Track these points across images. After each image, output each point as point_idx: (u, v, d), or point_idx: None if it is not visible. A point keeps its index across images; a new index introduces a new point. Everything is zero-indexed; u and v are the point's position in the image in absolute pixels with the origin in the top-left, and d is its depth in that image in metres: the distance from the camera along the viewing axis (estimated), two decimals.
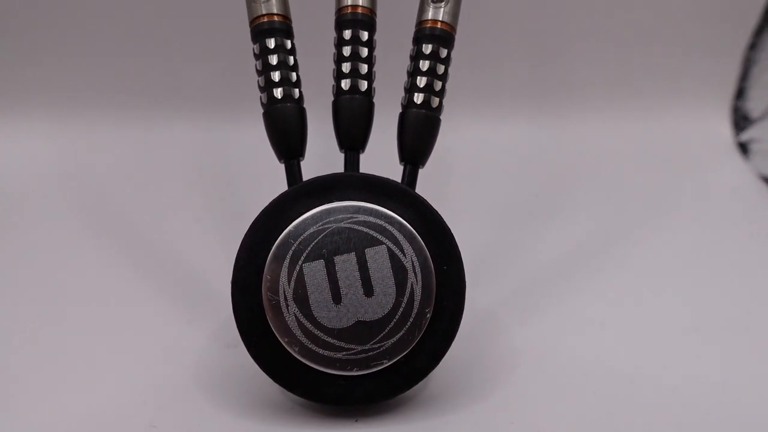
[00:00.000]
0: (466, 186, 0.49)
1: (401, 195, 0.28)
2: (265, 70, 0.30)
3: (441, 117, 0.30)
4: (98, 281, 0.40)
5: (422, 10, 0.30)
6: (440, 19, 0.30)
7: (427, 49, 0.30)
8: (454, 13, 0.30)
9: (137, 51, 0.51)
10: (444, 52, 0.30)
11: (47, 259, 0.42)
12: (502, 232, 0.45)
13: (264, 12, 0.30)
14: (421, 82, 0.30)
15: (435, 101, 0.30)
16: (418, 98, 0.29)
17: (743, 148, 0.56)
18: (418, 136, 0.30)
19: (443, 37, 0.30)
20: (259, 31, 0.30)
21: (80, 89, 0.52)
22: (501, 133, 0.54)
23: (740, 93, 0.57)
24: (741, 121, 0.57)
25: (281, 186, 0.30)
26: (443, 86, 0.30)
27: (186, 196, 0.48)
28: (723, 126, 0.57)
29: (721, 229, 0.47)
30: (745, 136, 0.56)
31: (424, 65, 0.30)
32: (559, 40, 0.53)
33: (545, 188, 0.51)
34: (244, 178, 0.50)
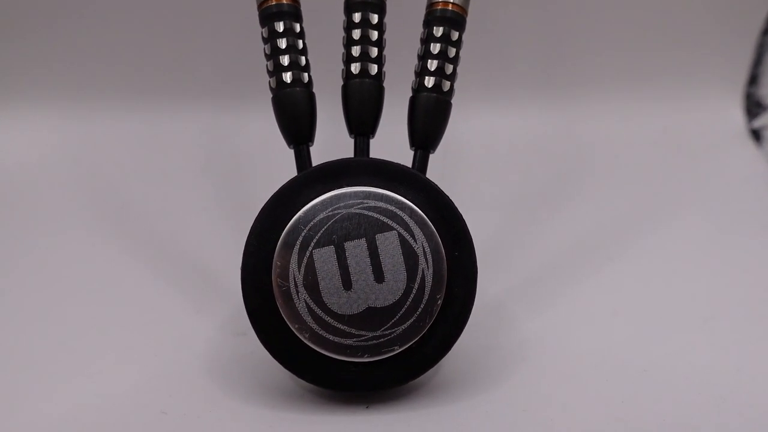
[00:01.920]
0: (476, 174, 0.49)
1: (412, 180, 0.28)
2: (274, 54, 0.29)
3: (452, 102, 0.30)
4: (107, 271, 0.40)
5: None
6: (451, 0, 0.29)
7: (438, 31, 0.29)
8: None
9: (143, 39, 0.50)
10: (455, 35, 0.29)
11: (56, 249, 0.42)
12: (512, 220, 0.45)
13: None
14: (432, 65, 0.29)
15: (446, 85, 0.29)
16: (429, 82, 0.29)
17: (756, 135, 0.55)
18: (428, 120, 0.29)
19: (454, 19, 0.29)
20: (268, 14, 0.29)
21: (86, 78, 0.51)
22: (511, 121, 0.53)
23: (753, 79, 0.56)
24: (754, 107, 0.56)
25: (290, 172, 0.30)
26: (454, 69, 0.30)
27: (194, 183, 0.48)
28: (736, 112, 0.57)
29: (734, 217, 0.47)
30: (757, 122, 0.55)
31: (435, 48, 0.29)
32: (570, 27, 0.53)
33: (556, 176, 0.50)
34: (252, 165, 0.50)
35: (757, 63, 0.55)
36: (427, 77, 0.29)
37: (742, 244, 0.44)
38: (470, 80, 0.51)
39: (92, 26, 0.49)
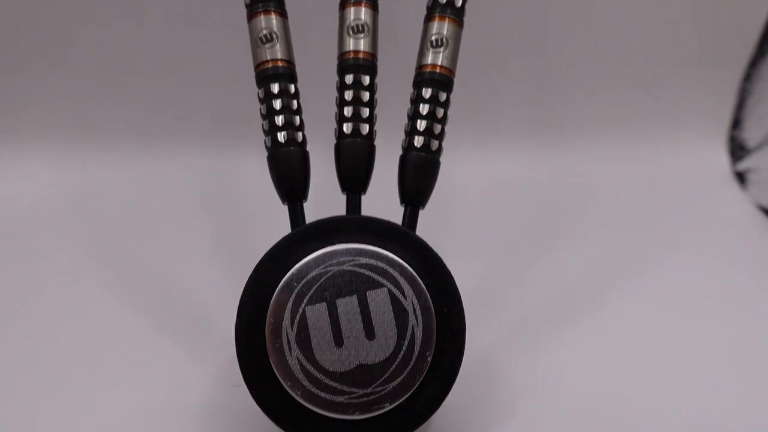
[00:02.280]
0: (466, 218, 0.50)
1: (402, 237, 0.29)
2: (269, 114, 0.30)
3: (440, 159, 0.31)
4: (102, 318, 0.40)
5: (422, 54, 0.31)
6: (439, 63, 0.31)
7: (427, 93, 0.30)
8: (453, 58, 0.31)
9: (140, 83, 0.51)
10: (443, 96, 0.31)
11: (50, 293, 0.42)
12: (502, 265, 0.45)
13: (269, 57, 0.30)
14: (421, 125, 0.30)
15: (435, 144, 0.30)
16: (418, 141, 0.30)
17: (740, 177, 0.56)
18: (418, 178, 0.30)
19: (442, 81, 0.31)
20: (264, 76, 0.30)
21: (85, 121, 0.52)
22: (501, 167, 0.54)
23: (736, 123, 0.57)
24: (738, 150, 0.58)
25: (286, 215, 0.31)
26: (442, 129, 0.31)
27: (190, 227, 0.49)
28: (720, 155, 0.58)
29: (721, 262, 0.48)
30: (742, 165, 0.57)
31: (424, 109, 0.30)
32: (558, 74, 0.54)
33: (545, 220, 0.51)
34: (248, 208, 0.51)
35: (739, 107, 0.57)
36: (416, 137, 0.30)
37: (729, 289, 0.44)
38: (461, 125, 0.53)
39: (90, 71, 0.50)
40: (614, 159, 0.56)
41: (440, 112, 0.31)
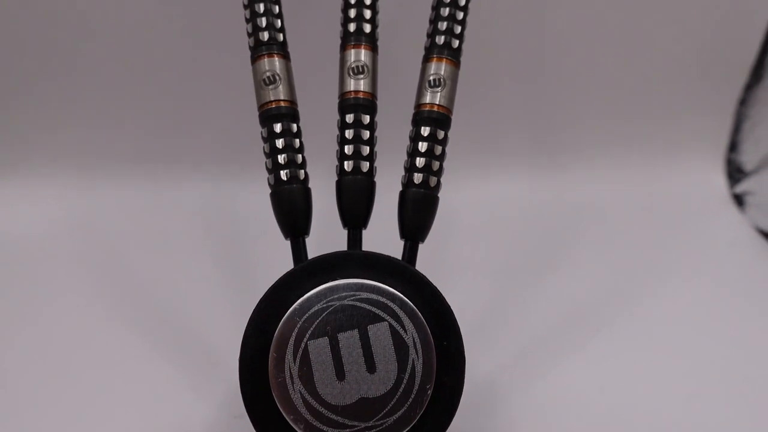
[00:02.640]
0: (466, 242, 0.51)
1: (402, 272, 0.30)
2: (273, 153, 0.31)
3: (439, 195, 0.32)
4: (107, 346, 0.41)
5: (420, 93, 0.32)
6: (437, 102, 0.32)
7: (425, 131, 0.31)
8: (451, 97, 0.32)
9: (144, 110, 0.52)
10: (441, 134, 0.32)
11: (54, 321, 0.43)
12: (502, 290, 0.46)
13: (272, 98, 0.32)
14: (420, 162, 0.31)
15: (433, 180, 0.31)
16: (417, 178, 0.31)
17: (738, 200, 0.57)
18: (417, 214, 0.31)
19: (440, 119, 0.32)
20: (267, 116, 0.31)
21: (88, 148, 0.53)
22: (501, 191, 0.55)
23: (733, 146, 0.58)
24: (735, 173, 0.58)
25: (287, 244, 0.31)
26: (441, 166, 0.32)
27: (194, 254, 0.49)
28: (718, 178, 0.59)
29: (720, 284, 0.48)
30: (739, 188, 0.57)
31: (423, 146, 0.31)
32: (556, 98, 0.55)
33: (545, 244, 0.52)
34: (251, 235, 0.51)
35: (736, 131, 0.58)
36: (415, 174, 0.31)
37: (728, 314, 0.45)
38: (461, 149, 0.54)
39: (94, 98, 0.52)
40: (613, 182, 0.57)
41: (438, 150, 0.31)
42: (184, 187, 0.54)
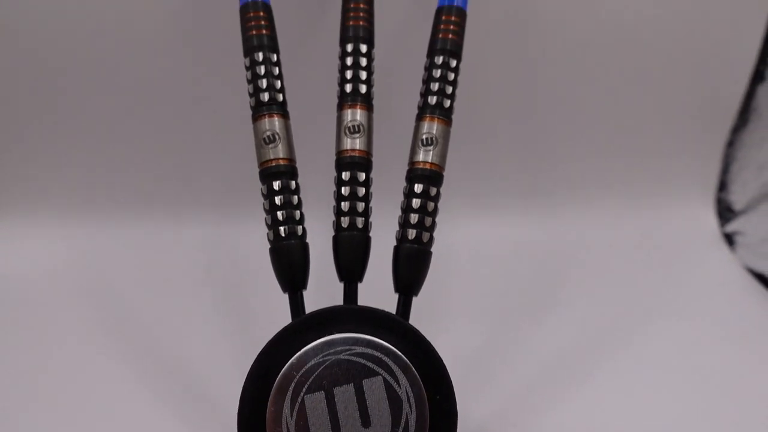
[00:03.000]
0: (459, 285, 0.51)
1: (396, 327, 0.31)
2: (272, 210, 0.32)
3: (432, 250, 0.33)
4: (106, 389, 0.41)
5: (413, 151, 0.34)
6: (429, 160, 0.33)
7: (418, 188, 0.33)
8: (442, 155, 0.34)
9: (145, 151, 0.53)
10: (433, 191, 0.33)
11: (54, 363, 0.43)
12: (495, 334, 0.47)
13: (271, 157, 0.33)
14: (413, 219, 0.32)
15: (426, 236, 0.32)
16: (411, 234, 0.32)
17: (729, 239, 0.58)
18: (411, 269, 0.32)
19: (432, 177, 0.33)
20: (267, 174, 0.33)
21: (89, 189, 0.54)
22: (492, 232, 0.56)
23: (722, 186, 0.60)
24: (725, 212, 0.59)
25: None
26: (433, 221, 0.33)
27: (194, 297, 0.50)
28: (709, 217, 0.60)
29: (711, 325, 0.49)
30: (730, 227, 0.58)
31: (416, 203, 0.33)
32: (549, 140, 0.57)
33: (539, 284, 0.53)
34: (251, 277, 0.52)
35: (724, 171, 0.59)
36: (409, 230, 0.32)
37: (719, 356, 0.46)
38: (456, 190, 0.55)
39: (97, 139, 0.52)
40: (605, 222, 0.58)
41: (431, 206, 0.33)
42: (185, 229, 0.55)
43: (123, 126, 0.53)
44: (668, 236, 0.58)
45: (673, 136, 0.58)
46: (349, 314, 0.31)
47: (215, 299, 0.49)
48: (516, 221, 0.57)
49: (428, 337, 0.31)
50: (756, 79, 0.55)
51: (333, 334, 0.30)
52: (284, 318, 0.33)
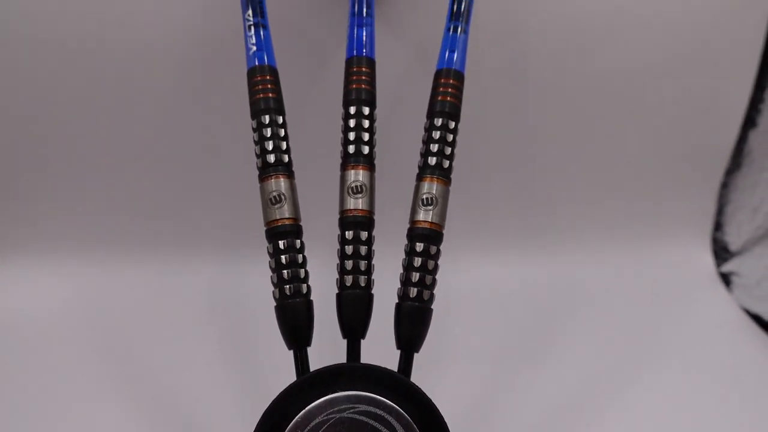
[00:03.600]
0: (459, 327, 0.52)
1: (399, 384, 0.32)
2: (277, 268, 0.34)
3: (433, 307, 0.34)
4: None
5: (414, 211, 0.35)
6: (429, 220, 0.34)
7: (419, 247, 0.34)
8: (442, 214, 0.35)
9: (150, 193, 0.55)
10: (434, 249, 0.34)
11: (54, 407, 0.44)
12: (496, 378, 0.47)
13: (277, 217, 0.34)
14: (415, 277, 0.33)
15: (427, 294, 0.34)
16: (412, 292, 0.33)
17: (725, 278, 0.59)
18: (412, 327, 0.33)
19: (432, 236, 0.34)
20: (273, 233, 0.34)
21: (95, 231, 0.55)
22: (494, 272, 0.57)
23: (718, 226, 0.61)
24: (721, 251, 0.60)
25: None
26: (434, 279, 0.34)
27: (198, 341, 0.50)
28: (706, 257, 0.61)
29: (709, 369, 0.49)
30: (726, 267, 0.59)
31: (417, 262, 0.34)
32: (547, 184, 0.58)
33: (538, 326, 0.53)
34: (256, 320, 0.53)
35: (719, 212, 0.60)
36: (410, 288, 0.33)
37: (717, 400, 0.46)
38: (457, 232, 0.56)
39: (101, 181, 0.54)
40: (603, 263, 0.59)
41: (431, 264, 0.34)
42: (190, 270, 0.56)
43: (127, 168, 0.54)
44: (666, 276, 0.59)
45: (669, 178, 0.60)
46: (353, 372, 0.32)
47: (219, 345, 0.49)
48: (515, 264, 0.58)
49: (429, 384, 0.32)
50: (747, 124, 0.56)
51: (337, 392, 0.31)
52: (288, 366, 0.34)
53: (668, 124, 0.57)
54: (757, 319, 0.54)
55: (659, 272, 0.59)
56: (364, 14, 0.39)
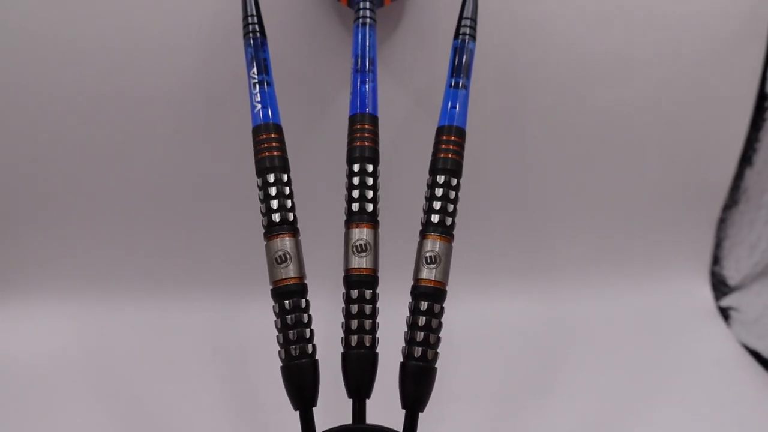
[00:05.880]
0: (462, 367, 0.52)
1: None
2: (283, 328, 0.34)
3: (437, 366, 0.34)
4: None
5: (417, 269, 0.35)
6: (433, 278, 0.35)
7: (423, 305, 0.34)
8: (445, 271, 0.35)
9: (156, 240, 0.55)
10: (437, 307, 0.35)
11: None
12: (498, 422, 0.48)
13: (283, 276, 0.35)
14: (419, 336, 0.34)
15: (431, 353, 0.34)
16: (417, 352, 0.34)
17: (724, 313, 0.59)
18: (417, 387, 0.33)
19: (436, 294, 0.35)
20: (279, 293, 0.34)
21: (96, 271, 0.56)
22: (494, 310, 0.57)
23: (716, 260, 0.61)
24: (720, 285, 0.61)
25: None
26: (438, 338, 0.34)
27: (201, 384, 0.50)
28: (704, 291, 0.61)
29: (708, 407, 0.50)
30: (725, 302, 0.60)
31: (421, 321, 0.34)
32: (547, 221, 0.58)
33: (538, 368, 0.53)
34: (257, 357, 0.53)
35: (717, 246, 0.61)
36: (415, 347, 0.34)
37: None
38: (455, 271, 0.56)
39: (103, 220, 0.54)
40: (603, 299, 0.59)
41: (435, 323, 0.34)
42: (192, 311, 0.56)
43: (128, 207, 0.54)
44: (665, 311, 0.59)
45: (667, 214, 0.60)
46: None
47: (221, 395, 0.49)
48: (514, 302, 0.58)
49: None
50: (744, 162, 0.57)
51: None
52: (293, 426, 0.34)
53: (666, 160, 0.58)
54: (756, 355, 0.55)
55: (658, 307, 0.59)
56: (368, 71, 0.39)
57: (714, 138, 0.57)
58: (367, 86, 0.39)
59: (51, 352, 0.53)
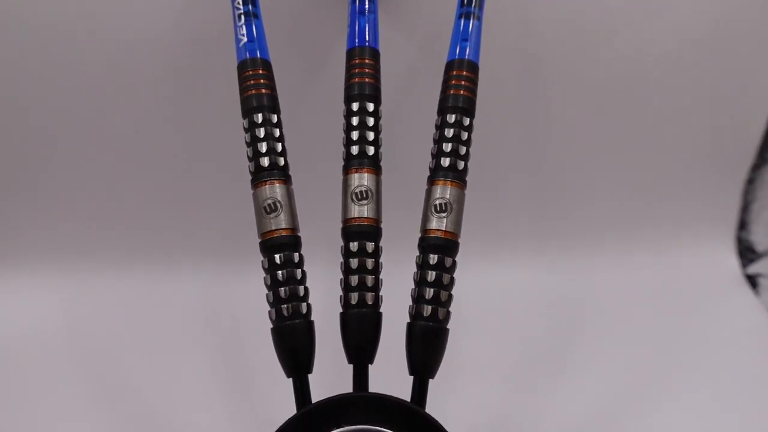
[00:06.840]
0: (474, 339, 0.48)
1: (410, 415, 0.28)
2: (274, 285, 0.30)
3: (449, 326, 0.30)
4: None
5: (426, 218, 0.31)
6: (443, 228, 0.31)
7: (433, 259, 0.30)
8: (457, 221, 0.31)
9: (143, 206, 0.52)
10: (449, 261, 0.31)
11: (44, 423, 0.41)
12: (512, 396, 0.44)
13: (273, 227, 0.31)
14: (428, 293, 0.30)
15: (442, 312, 0.30)
16: (426, 310, 0.30)
17: (752, 281, 0.56)
18: (426, 350, 0.30)
19: (447, 246, 0.31)
20: (269, 246, 0.30)
21: (85, 243, 0.53)
22: (508, 278, 0.54)
23: (743, 225, 0.57)
24: (747, 252, 0.57)
25: None
26: (449, 295, 0.30)
27: (191, 356, 0.48)
28: (730, 258, 0.57)
29: (740, 378, 0.46)
30: (752, 268, 0.56)
31: (431, 276, 0.30)
32: (564, 184, 0.54)
33: (556, 336, 0.50)
34: (252, 334, 0.50)
35: (744, 210, 0.57)
36: (424, 306, 0.30)
37: (748, 412, 0.43)
38: (466, 235, 0.53)
39: (91, 190, 0.51)
40: (623, 266, 0.55)
41: (446, 278, 0.30)
42: (182, 281, 0.53)
43: (119, 178, 0.51)
44: (689, 279, 0.56)
45: (690, 175, 0.56)
46: (360, 403, 0.28)
47: (211, 366, 0.46)
48: (528, 269, 0.54)
49: (444, 413, 0.29)
50: None
51: (342, 426, 0.27)
52: (287, 395, 0.30)
53: (689, 116, 0.53)
54: None
55: (682, 275, 0.56)
56: (367, 1, 0.35)
57: (742, 92, 0.53)
58: (366, 18, 0.34)
59: (37, 326, 0.50)
